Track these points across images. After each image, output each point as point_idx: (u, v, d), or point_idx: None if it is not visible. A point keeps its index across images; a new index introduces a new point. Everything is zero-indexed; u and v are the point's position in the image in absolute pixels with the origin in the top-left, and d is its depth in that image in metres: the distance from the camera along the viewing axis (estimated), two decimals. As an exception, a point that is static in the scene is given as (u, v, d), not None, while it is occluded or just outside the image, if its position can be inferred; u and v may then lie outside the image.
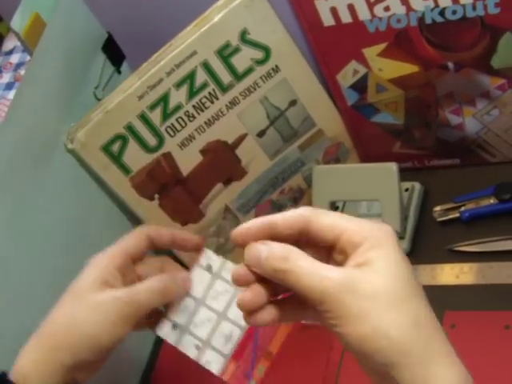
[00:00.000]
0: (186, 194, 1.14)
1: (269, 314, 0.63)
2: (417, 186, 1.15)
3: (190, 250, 0.86)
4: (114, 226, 1.14)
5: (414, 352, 0.56)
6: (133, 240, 0.84)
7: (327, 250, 0.63)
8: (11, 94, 1.92)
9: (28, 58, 1.84)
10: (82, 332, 0.76)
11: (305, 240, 0.62)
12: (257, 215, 1.21)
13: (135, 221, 1.15)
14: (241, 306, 0.62)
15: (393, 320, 0.56)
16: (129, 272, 0.82)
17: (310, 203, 1.17)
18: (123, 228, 1.14)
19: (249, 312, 0.62)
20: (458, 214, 1.10)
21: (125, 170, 1.08)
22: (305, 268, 0.58)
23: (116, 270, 0.80)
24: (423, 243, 1.11)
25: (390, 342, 0.56)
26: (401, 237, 1.10)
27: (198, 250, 0.84)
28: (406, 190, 1.14)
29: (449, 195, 1.12)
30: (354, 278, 0.57)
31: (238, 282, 0.63)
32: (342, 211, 1.16)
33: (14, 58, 2.03)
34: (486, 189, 1.09)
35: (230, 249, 1.19)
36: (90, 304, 0.77)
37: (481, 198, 1.09)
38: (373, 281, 0.57)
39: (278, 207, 1.22)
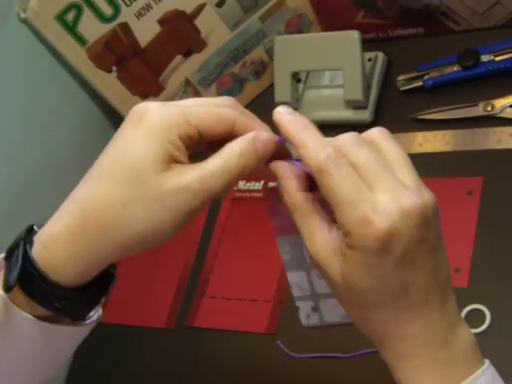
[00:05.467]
0: (144, 65, 1.12)
1: None
2: (380, 55, 1.13)
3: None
4: (70, 101, 1.12)
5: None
6: (214, 118, 0.60)
7: None
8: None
9: None
10: (133, 230, 0.58)
11: None
12: (218, 88, 1.19)
13: (92, 95, 1.14)
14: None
15: None
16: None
17: (272, 76, 1.15)
18: (79, 103, 1.13)
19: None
20: (421, 83, 1.08)
21: (80, 40, 1.06)
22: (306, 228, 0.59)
23: (182, 139, 0.59)
24: (386, 113, 1.10)
25: None
26: (363, 106, 1.09)
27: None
28: (369, 59, 1.12)
29: (413, 65, 1.10)
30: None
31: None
32: (305, 83, 1.15)
33: None
34: (450, 56, 1.07)
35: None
36: (148, 194, 0.57)
37: (444, 66, 1.07)
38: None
39: (240, 81, 1.20)
